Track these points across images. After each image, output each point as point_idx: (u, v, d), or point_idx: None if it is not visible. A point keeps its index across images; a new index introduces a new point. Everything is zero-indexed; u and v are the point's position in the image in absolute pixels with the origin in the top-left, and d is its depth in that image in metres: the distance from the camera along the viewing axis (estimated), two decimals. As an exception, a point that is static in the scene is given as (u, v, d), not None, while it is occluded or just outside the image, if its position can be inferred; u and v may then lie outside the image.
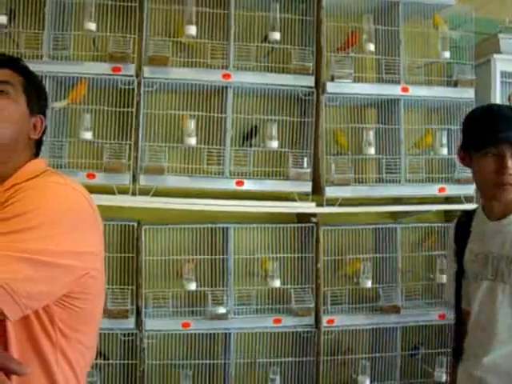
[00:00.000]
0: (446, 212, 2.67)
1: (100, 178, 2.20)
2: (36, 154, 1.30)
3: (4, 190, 1.13)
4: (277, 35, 2.36)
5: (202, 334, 2.37)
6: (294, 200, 2.36)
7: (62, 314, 1.07)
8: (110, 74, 2.24)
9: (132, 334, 2.26)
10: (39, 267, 0.96)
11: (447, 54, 2.49)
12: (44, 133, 1.31)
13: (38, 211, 1.01)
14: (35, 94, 1.27)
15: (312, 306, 2.38)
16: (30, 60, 2.23)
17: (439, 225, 2.58)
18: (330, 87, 2.39)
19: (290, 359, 2.43)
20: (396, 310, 2.45)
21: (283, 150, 2.40)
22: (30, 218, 0.99)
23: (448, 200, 2.58)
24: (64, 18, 2.34)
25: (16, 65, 1.25)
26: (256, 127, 2.47)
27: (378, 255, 2.54)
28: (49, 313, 1.05)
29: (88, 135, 2.23)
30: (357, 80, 2.44)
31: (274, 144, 2.36)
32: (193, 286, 2.30)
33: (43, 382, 1.07)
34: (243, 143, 2.48)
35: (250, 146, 2.44)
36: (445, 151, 2.48)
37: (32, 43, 2.25)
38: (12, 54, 2.24)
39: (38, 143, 1.32)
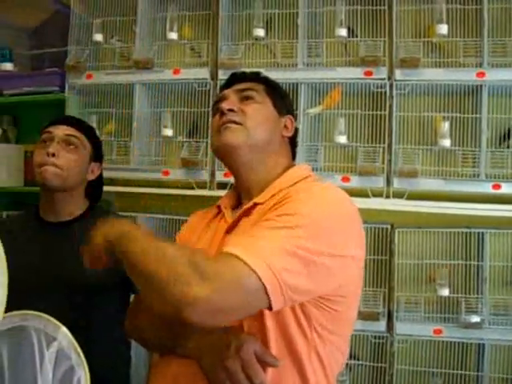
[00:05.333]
0: None
1: (354, 181, 2.25)
2: (293, 156, 1.37)
3: (271, 197, 1.19)
4: (534, 26, 2.22)
5: (454, 342, 2.28)
6: (555, 205, 2.19)
7: (319, 316, 1.10)
8: (362, 78, 2.27)
9: (383, 337, 2.26)
10: (307, 264, 0.99)
11: None
12: (296, 133, 1.37)
13: (311, 212, 1.06)
14: (278, 96, 1.36)
15: None
16: (285, 68, 2.36)
17: None
18: None
19: (550, 377, 2.25)
20: None
21: (543, 150, 2.24)
22: (303, 217, 1.04)
23: None
24: (316, 27, 2.43)
25: (256, 76, 1.37)
26: (514, 127, 2.33)
27: None
28: (306, 313, 1.08)
29: (342, 139, 2.29)
30: None
31: (534, 145, 2.21)
32: (446, 292, 2.22)
33: (296, 380, 1.10)
34: (500, 144, 2.35)
35: (508, 147, 2.30)
36: None
37: (287, 52, 2.37)
38: (269, 63, 2.40)
39: (293, 146, 1.38)
